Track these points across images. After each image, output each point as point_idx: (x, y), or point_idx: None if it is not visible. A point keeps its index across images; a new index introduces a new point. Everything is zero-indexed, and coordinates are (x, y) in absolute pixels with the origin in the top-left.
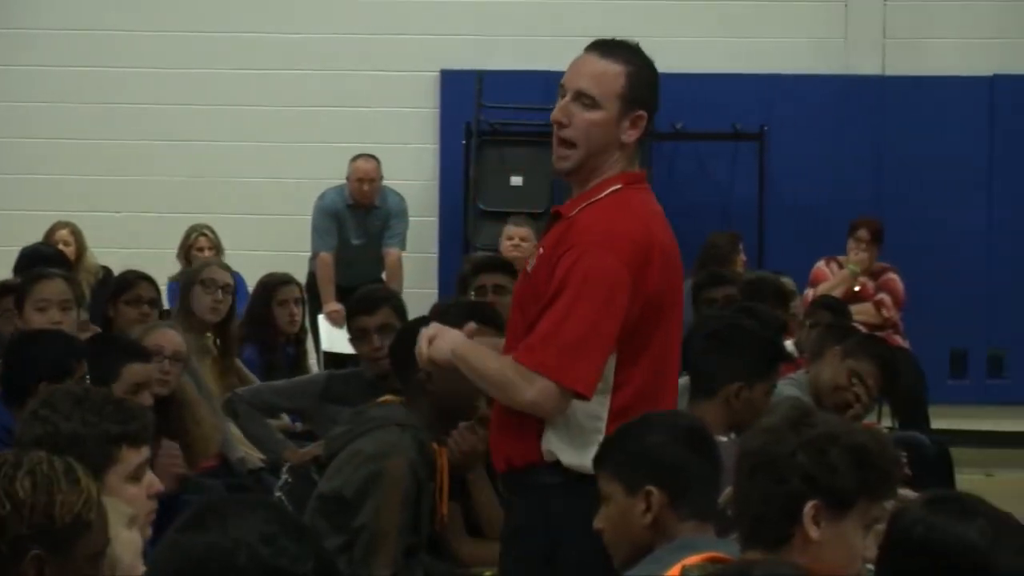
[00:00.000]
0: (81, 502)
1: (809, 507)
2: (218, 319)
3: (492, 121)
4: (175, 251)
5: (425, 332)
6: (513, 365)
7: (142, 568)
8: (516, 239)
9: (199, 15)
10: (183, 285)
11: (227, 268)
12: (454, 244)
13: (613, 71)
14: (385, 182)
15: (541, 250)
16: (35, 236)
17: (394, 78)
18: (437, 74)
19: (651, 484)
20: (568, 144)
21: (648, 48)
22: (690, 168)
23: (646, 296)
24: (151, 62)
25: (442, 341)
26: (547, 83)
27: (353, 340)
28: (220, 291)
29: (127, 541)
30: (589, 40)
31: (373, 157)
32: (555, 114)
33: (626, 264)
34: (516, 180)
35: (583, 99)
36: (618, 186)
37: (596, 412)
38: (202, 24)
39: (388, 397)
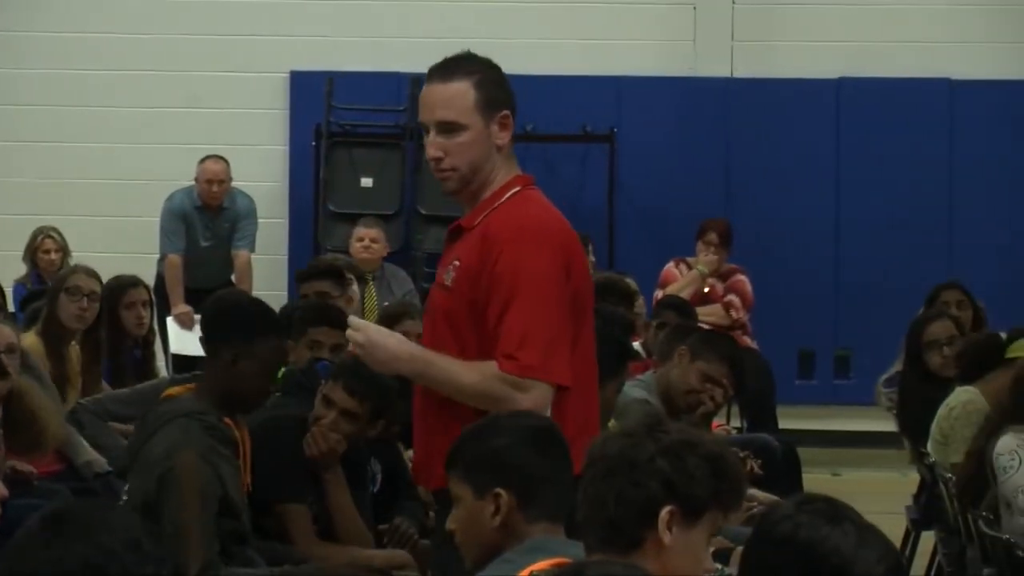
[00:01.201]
0: None
1: (665, 512)
2: (84, 327)
3: (342, 122)
4: (21, 253)
5: (353, 334)
6: (499, 376)
7: None
8: (366, 240)
9: (49, 14)
10: (50, 292)
11: (94, 275)
12: (304, 246)
13: (459, 89)
14: (234, 183)
15: (457, 262)
16: None
17: (243, 79)
18: (286, 75)
19: (499, 486)
20: (448, 170)
21: (498, 50)
22: (540, 170)
23: (574, 290)
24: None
25: (382, 346)
26: (398, 85)
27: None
28: (86, 299)
29: None
30: (439, 42)
31: (222, 158)
32: (429, 152)
33: (559, 258)
34: (366, 182)
35: (446, 128)
36: (516, 188)
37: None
38: (50, 24)
39: (172, 390)
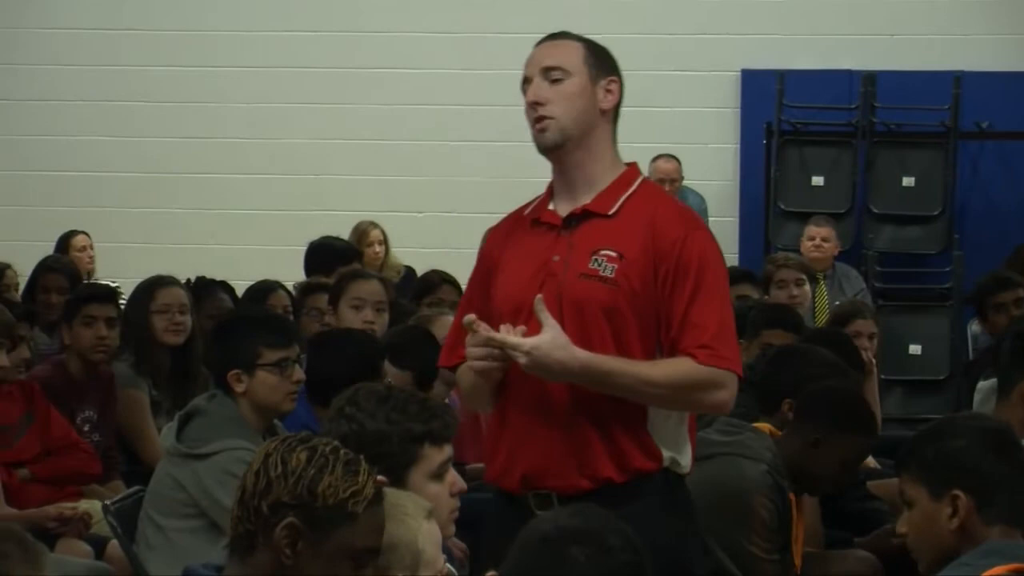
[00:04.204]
0: (349, 491)
1: None
2: None
3: (793, 120)
4: (475, 250)
5: (517, 355)
6: (698, 368)
7: (443, 560)
8: (818, 239)
9: (500, 15)
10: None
11: None
12: (755, 244)
13: (570, 45)
14: (685, 182)
15: (613, 253)
16: (333, 234)
17: (695, 78)
18: (738, 74)
19: (958, 488)
20: (547, 118)
21: (951, 45)
22: (996, 168)
23: None
24: (453, 63)
25: (551, 363)
26: (850, 82)
27: None
28: None
29: (428, 532)
30: (889, 39)
31: (674, 157)
32: (529, 96)
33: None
34: (817, 180)
35: (552, 74)
36: (642, 177)
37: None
38: (496, 24)
39: (763, 425)
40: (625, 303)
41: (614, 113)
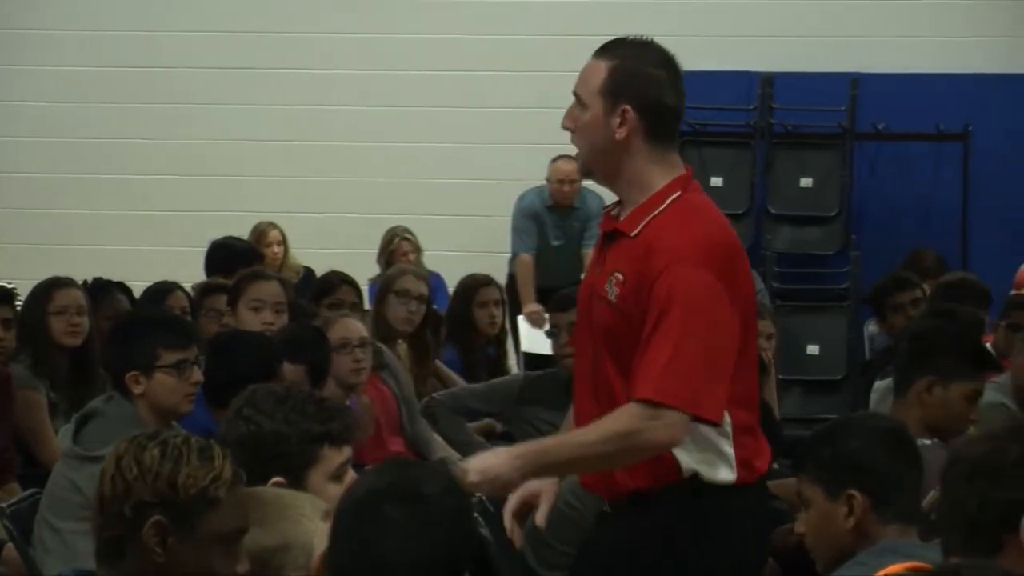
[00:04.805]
0: (209, 477)
1: None
2: (411, 329)
3: (692, 122)
4: (375, 251)
5: (467, 481)
6: (628, 412)
7: None
8: None
9: (402, 17)
10: (378, 293)
11: (423, 276)
12: None
13: (597, 68)
14: (586, 183)
15: (620, 276)
16: (232, 234)
17: None
18: None
19: (853, 488)
20: (578, 149)
21: (849, 48)
22: (892, 168)
23: (740, 302)
24: (353, 64)
25: (494, 476)
26: (748, 83)
27: (549, 334)
28: (414, 302)
29: (323, 533)
30: (788, 40)
31: (573, 158)
32: (562, 121)
33: (717, 275)
34: (716, 181)
35: (578, 101)
36: (677, 194)
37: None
38: (398, 26)
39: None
40: (624, 327)
41: (651, 130)
